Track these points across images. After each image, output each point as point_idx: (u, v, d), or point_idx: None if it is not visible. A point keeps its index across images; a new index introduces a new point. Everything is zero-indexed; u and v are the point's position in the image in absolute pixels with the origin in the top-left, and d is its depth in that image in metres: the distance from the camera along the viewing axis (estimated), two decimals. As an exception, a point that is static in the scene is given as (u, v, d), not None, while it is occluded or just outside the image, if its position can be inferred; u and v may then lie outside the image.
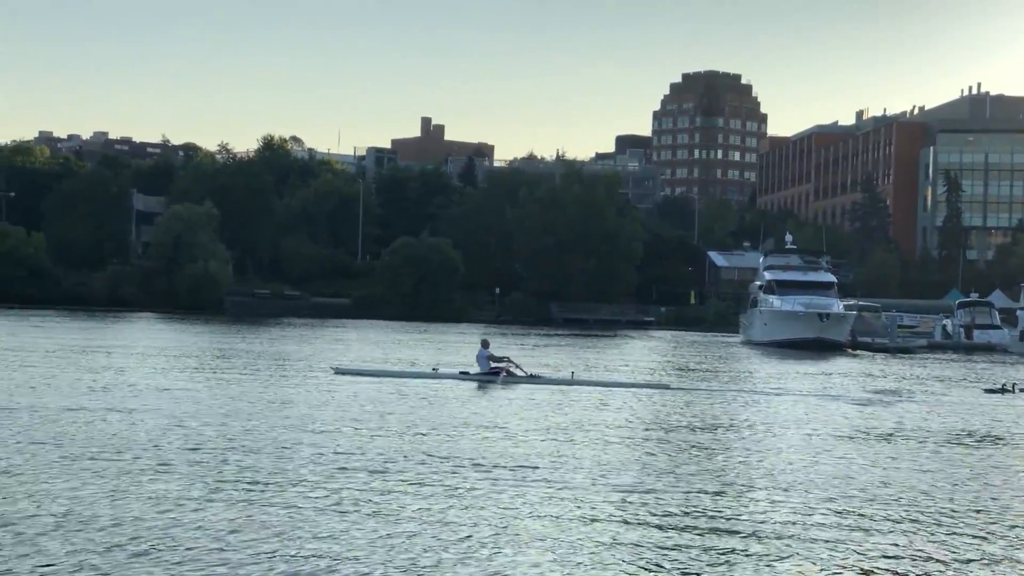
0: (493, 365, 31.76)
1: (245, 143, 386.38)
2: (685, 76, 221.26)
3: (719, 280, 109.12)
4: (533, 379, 31.57)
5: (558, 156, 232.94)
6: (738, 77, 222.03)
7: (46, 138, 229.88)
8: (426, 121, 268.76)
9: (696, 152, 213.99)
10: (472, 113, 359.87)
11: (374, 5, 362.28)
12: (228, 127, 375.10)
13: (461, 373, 32.59)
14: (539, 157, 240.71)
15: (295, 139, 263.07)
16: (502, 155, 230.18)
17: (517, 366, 31.99)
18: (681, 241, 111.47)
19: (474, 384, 30.77)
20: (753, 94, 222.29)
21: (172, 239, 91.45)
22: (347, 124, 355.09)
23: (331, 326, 78.38)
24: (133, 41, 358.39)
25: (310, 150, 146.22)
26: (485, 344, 32.58)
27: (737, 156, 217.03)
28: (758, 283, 68.43)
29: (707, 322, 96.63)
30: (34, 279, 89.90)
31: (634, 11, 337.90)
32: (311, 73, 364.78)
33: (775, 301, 62.33)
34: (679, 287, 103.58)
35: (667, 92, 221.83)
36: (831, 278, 65.21)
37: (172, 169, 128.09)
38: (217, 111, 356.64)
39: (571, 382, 31.40)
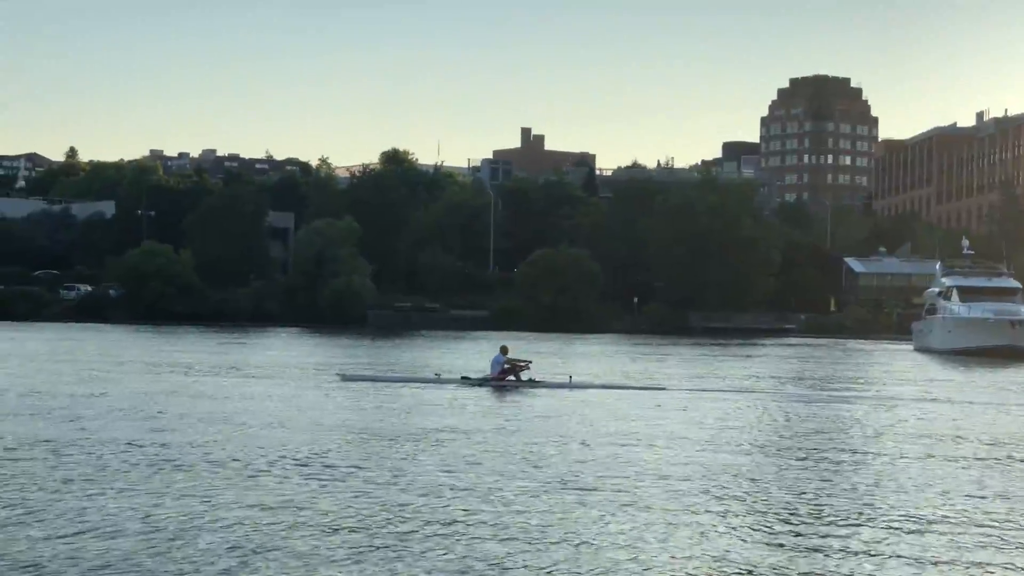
0: (507, 366, 32.69)
1: (347, 157, 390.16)
2: (793, 81, 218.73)
3: (856, 286, 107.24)
4: (533, 383, 32.37)
5: (660, 164, 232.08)
6: (847, 81, 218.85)
7: (157, 156, 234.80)
8: (526, 131, 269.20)
9: (806, 157, 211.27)
10: (572, 122, 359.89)
11: (471, 17, 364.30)
12: (329, 142, 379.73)
13: (463, 378, 33.54)
14: (643, 165, 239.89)
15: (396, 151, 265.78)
16: (604, 164, 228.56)
17: (523, 368, 32.92)
18: (815, 248, 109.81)
19: (487, 390, 31.54)
20: (863, 97, 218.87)
21: (314, 254, 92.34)
22: (447, 136, 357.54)
23: (478, 338, 78.65)
24: (230, 60, 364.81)
25: (438, 163, 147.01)
26: (504, 351, 33.56)
27: (848, 160, 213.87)
28: (936, 289, 66.94)
29: (848, 329, 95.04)
30: (183, 295, 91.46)
31: (739, 17, 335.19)
32: (410, 86, 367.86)
33: (959, 308, 60.87)
34: (816, 294, 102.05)
35: (775, 97, 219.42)
36: (1016, 284, 63.46)
37: (296, 185, 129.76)
38: (317, 126, 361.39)
39: (570, 385, 32.35)
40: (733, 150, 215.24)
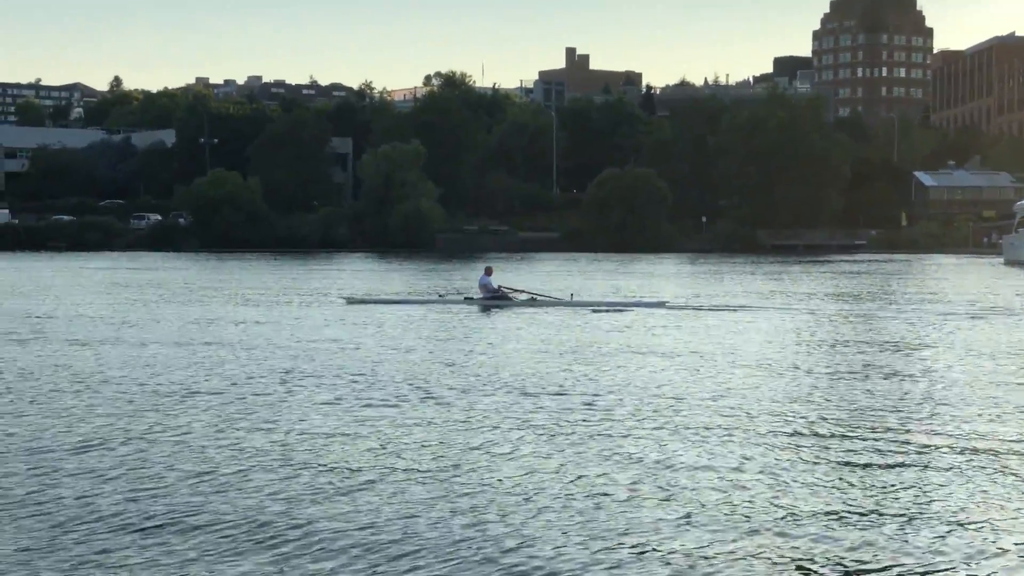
0: (497, 287, 33.59)
1: (391, 81, 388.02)
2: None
3: (927, 201, 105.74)
4: (534, 301, 33.08)
5: (707, 82, 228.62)
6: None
7: (203, 84, 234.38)
8: (571, 51, 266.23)
9: (860, 71, 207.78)
10: (618, 41, 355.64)
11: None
12: (372, 67, 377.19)
13: (466, 299, 34.19)
14: (691, 83, 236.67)
15: (438, 74, 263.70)
16: (651, 82, 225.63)
17: (516, 291, 33.90)
18: (884, 163, 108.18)
19: (498, 308, 32.11)
20: (917, 8, 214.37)
21: (382, 179, 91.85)
22: (491, 58, 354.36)
23: (546, 259, 78.42)
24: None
25: (494, 85, 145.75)
26: (488, 271, 34.32)
27: (903, 73, 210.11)
28: (1028, 202, 65.91)
29: (920, 245, 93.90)
30: (252, 223, 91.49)
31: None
32: (454, 8, 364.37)
33: (1056, 219, 59.92)
34: (886, 210, 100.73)
35: (827, 11, 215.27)
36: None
37: (353, 110, 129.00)
38: (360, 51, 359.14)
39: (571, 303, 32.72)
40: (785, 65, 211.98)
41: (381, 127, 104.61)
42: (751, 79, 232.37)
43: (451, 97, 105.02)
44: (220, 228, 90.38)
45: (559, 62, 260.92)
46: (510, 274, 53.64)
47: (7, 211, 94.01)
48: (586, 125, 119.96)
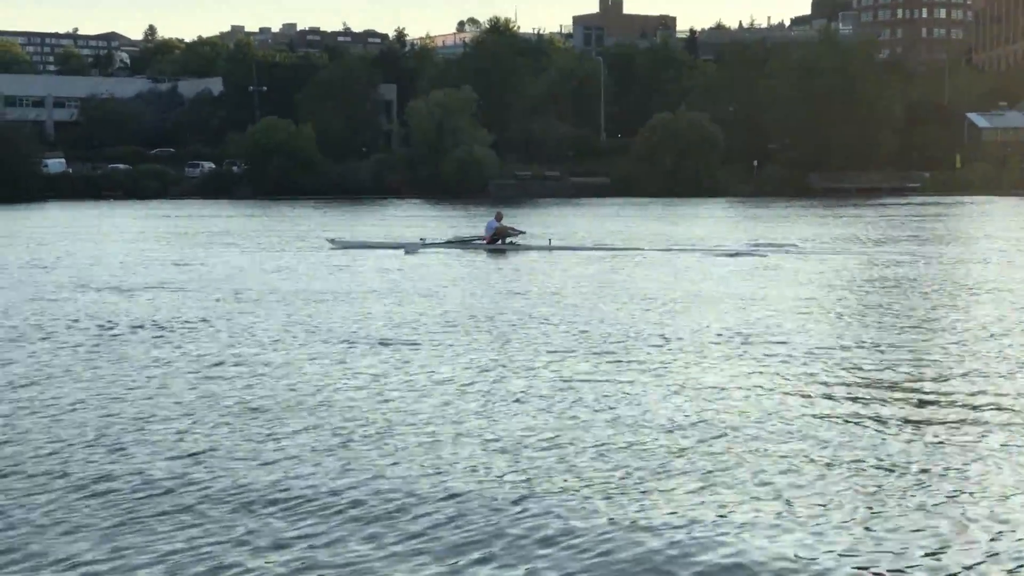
0: (499, 227, 34.70)
1: (424, 27, 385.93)
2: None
3: (980, 142, 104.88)
4: (514, 246, 34.26)
5: (742, 25, 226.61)
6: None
7: (238, 31, 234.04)
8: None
9: (900, 12, 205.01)
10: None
11: None
12: (405, 12, 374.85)
13: (447, 242, 35.70)
14: (727, 26, 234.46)
15: (472, 20, 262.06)
16: (685, 26, 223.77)
17: (517, 233, 35.09)
18: (936, 104, 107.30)
19: (486, 252, 33.39)
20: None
21: (434, 125, 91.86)
22: (524, 3, 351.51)
23: (598, 205, 78.62)
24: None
25: (538, 30, 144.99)
26: (498, 216, 35.72)
27: (943, 14, 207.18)
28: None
29: (974, 186, 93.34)
30: (305, 170, 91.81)
31: None
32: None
33: None
34: (939, 152, 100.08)
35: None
36: None
37: (396, 57, 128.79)
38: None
39: (549, 248, 33.95)
40: (823, 7, 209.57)
41: (429, 73, 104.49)
42: (787, 21, 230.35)
43: (501, 43, 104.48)
44: (273, 176, 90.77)
45: (592, 6, 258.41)
46: (581, 220, 54.05)
47: (62, 160, 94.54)
48: (630, 70, 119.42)
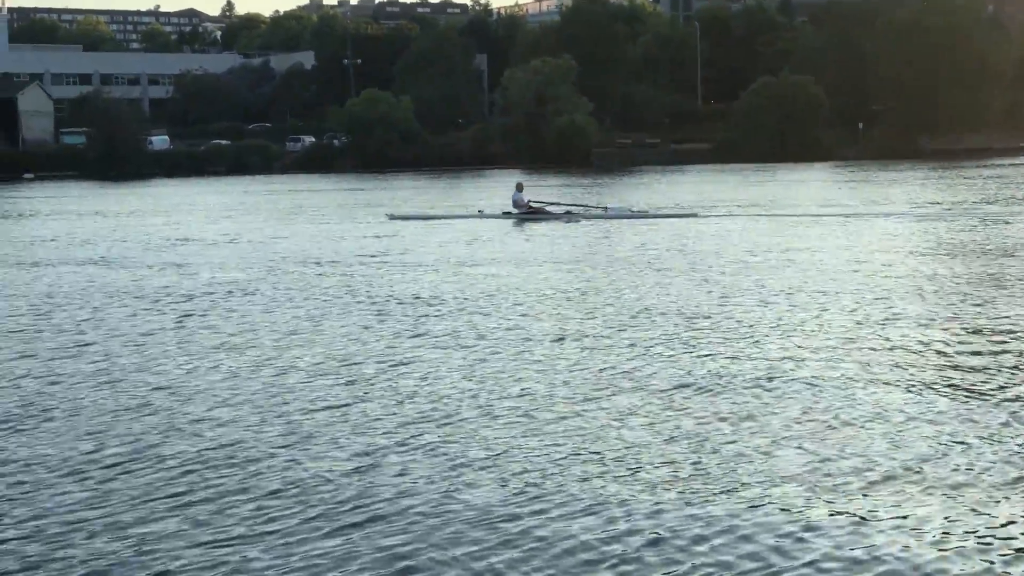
0: (527, 202, 35.24)
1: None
2: None
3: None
4: (569, 215, 34.63)
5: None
6: None
7: (316, 5, 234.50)
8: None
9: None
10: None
11: None
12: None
13: (504, 213, 35.65)
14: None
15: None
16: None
17: (549, 204, 35.72)
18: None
19: (539, 222, 33.44)
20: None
21: (534, 94, 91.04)
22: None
23: (702, 171, 77.52)
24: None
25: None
26: (519, 187, 36.19)
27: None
28: None
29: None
30: (406, 142, 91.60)
31: None
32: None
33: None
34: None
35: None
36: None
37: (485, 27, 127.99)
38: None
39: (605, 216, 34.10)
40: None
41: (522, 42, 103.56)
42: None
43: (598, 9, 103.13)
44: (374, 148, 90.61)
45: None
46: (684, 187, 53.17)
47: (166, 137, 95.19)
48: (725, 34, 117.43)
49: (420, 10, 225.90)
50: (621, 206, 36.49)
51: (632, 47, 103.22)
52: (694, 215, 34.78)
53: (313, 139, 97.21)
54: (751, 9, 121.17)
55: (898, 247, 24.92)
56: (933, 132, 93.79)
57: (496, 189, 54.07)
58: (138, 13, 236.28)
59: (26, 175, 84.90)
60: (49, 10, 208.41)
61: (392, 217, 36.81)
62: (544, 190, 56.91)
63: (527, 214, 34.91)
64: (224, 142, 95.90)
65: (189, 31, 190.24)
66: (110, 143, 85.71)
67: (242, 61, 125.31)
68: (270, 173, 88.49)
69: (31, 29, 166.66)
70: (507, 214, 35.43)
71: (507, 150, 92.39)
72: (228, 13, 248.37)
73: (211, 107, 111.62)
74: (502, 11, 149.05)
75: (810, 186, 54.42)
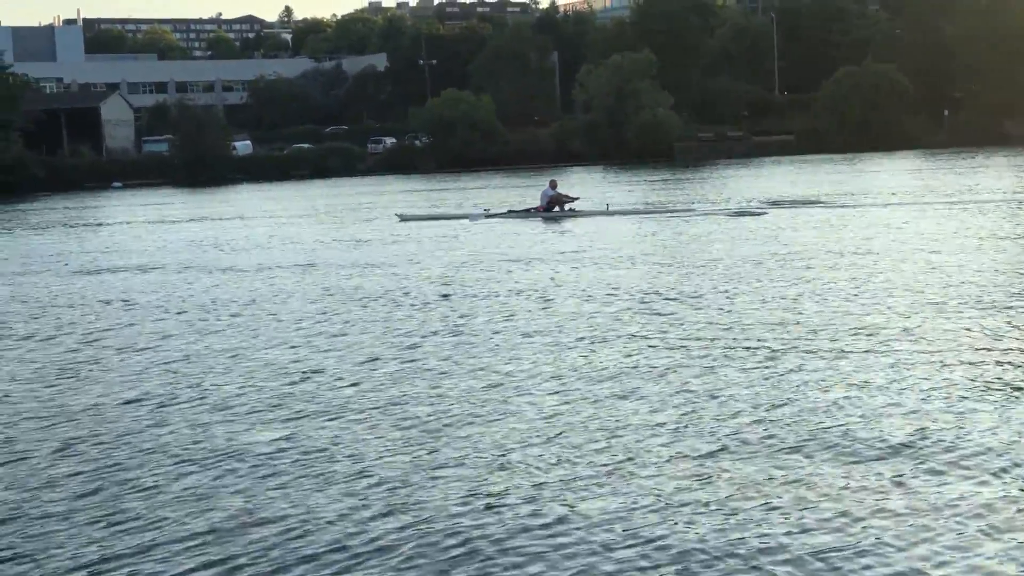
0: (553, 195, 35.18)
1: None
2: None
3: None
4: (572, 212, 34.73)
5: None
6: None
7: (376, 8, 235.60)
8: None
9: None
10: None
11: None
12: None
13: (509, 212, 36.01)
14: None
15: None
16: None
17: (571, 200, 35.38)
18: None
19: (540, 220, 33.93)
20: None
21: (614, 90, 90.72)
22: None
23: (785, 163, 77.02)
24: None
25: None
26: (553, 184, 36.18)
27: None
28: None
29: None
30: (487, 141, 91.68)
31: None
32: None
33: None
34: None
35: None
36: None
37: (554, 24, 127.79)
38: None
39: (607, 213, 34.59)
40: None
41: (595, 38, 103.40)
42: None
43: (673, 3, 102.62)
44: (456, 147, 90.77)
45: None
46: (778, 179, 52.66)
47: (248, 142, 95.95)
48: (797, 24, 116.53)
49: (480, 9, 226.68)
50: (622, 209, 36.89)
51: (709, 40, 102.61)
52: (691, 210, 35.61)
53: (394, 140, 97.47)
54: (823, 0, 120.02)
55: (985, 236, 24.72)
56: (1018, 116, 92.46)
57: (584, 186, 54.03)
58: (200, 21, 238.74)
59: (114, 184, 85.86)
60: (112, 20, 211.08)
61: (403, 218, 37.30)
62: (625, 187, 56.86)
63: (538, 210, 35.41)
64: (306, 145, 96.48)
65: (253, 37, 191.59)
66: (196, 150, 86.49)
67: (314, 65, 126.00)
68: (353, 175, 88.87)
69: (99, 40, 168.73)
70: (512, 212, 36.06)
71: (588, 147, 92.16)
72: (286, 18, 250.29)
73: (285, 111, 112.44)
74: (567, 8, 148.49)
75: (900, 175, 53.87)
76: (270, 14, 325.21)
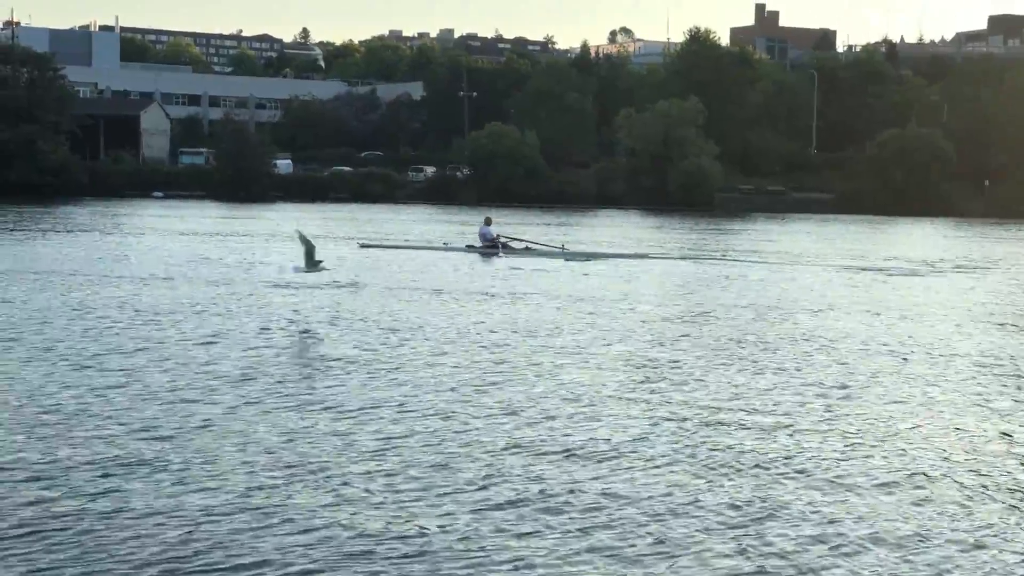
0: (496, 236, 36.65)
1: (571, 37, 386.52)
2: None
3: None
4: (529, 251, 36.27)
5: (900, 39, 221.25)
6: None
7: (396, 36, 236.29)
8: (760, 8, 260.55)
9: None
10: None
11: None
12: (552, 21, 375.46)
13: (468, 247, 37.30)
14: (891, 41, 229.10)
15: (624, 31, 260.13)
16: (846, 42, 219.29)
17: (511, 240, 37.12)
18: None
19: (510, 258, 34.71)
20: None
21: (660, 135, 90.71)
22: (675, 13, 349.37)
23: (823, 221, 77.11)
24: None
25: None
26: (488, 222, 37.80)
27: None
28: None
29: None
30: (530, 177, 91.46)
31: None
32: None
33: None
34: None
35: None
36: None
37: (589, 65, 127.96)
38: (535, 2, 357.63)
39: (564, 254, 35.96)
40: (998, 23, 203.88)
41: (630, 84, 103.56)
42: (948, 36, 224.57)
43: (718, 53, 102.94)
44: (497, 182, 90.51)
45: (747, 18, 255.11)
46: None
47: (289, 161, 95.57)
48: (834, 83, 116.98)
49: (501, 45, 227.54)
50: (578, 251, 38.05)
51: (752, 92, 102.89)
52: (645, 256, 37.58)
53: (435, 170, 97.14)
54: (860, 60, 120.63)
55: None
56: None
57: (626, 228, 53.67)
58: (221, 36, 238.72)
59: (155, 193, 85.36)
60: (133, 30, 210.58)
61: (363, 246, 38.38)
62: (664, 233, 56.75)
63: (489, 248, 36.38)
64: (347, 168, 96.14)
65: (275, 56, 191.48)
66: (238, 165, 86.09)
67: (347, 89, 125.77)
68: (393, 202, 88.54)
69: (124, 48, 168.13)
70: (470, 247, 37.09)
71: (629, 190, 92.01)
72: (303, 39, 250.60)
73: (318, 133, 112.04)
74: (596, 51, 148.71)
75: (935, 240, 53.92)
76: (286, 34, 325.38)
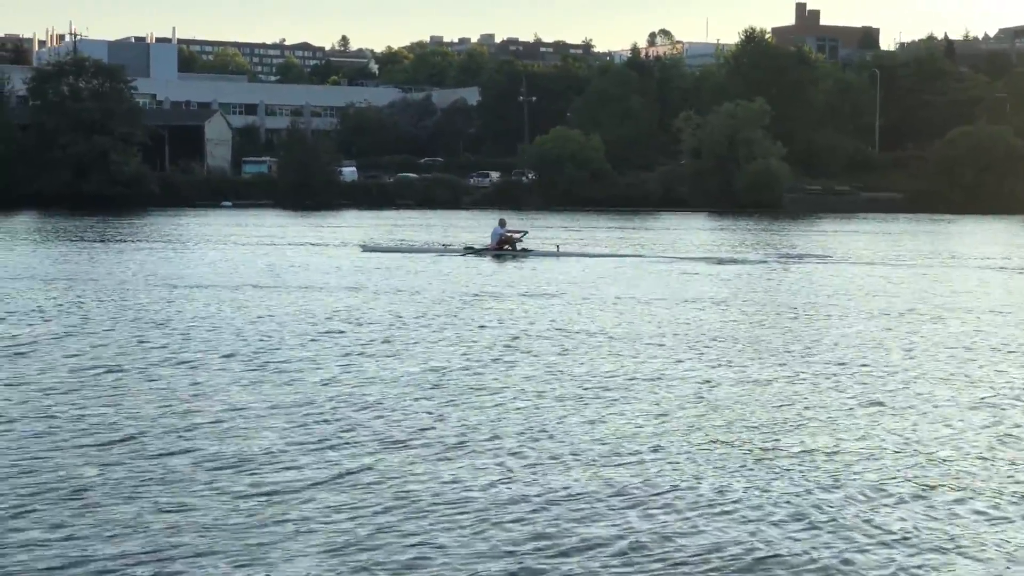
0: (505, 235, 36.72)
1: (610, 41, 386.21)
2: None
3: None
4: (525, 252, 36.44)
5: (945, 37, 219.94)
6: None
7: (437, 41, 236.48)
8: (800, 7, 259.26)
9: None
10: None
11: None
12: (593, 24, 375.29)
13: (466, 249, 37.39)
14: (935, 37, 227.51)
15: (664, 32, 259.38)
16: (889, 40, 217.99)
17: (519, 239, 37.02)
18: None
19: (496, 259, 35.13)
20: None
21: (726, 137, 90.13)
22: (713, 14, 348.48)
23: (892, 220, 76.31)
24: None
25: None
26: (502, 223, 37.94)
27: None
28: None
29: None
30: (595, 181, 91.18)
31: None
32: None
33: None
34: None
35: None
36: None
37: (643, 68, 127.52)
38: (577, 5, 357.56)
39: (557, 255, 36.62)
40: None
41: (706, 86, 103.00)
42: (992, 32, 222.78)
43: (781, 53, 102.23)
44: (563, 186, 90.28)
45: (787, 17, 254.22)
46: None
47: (354, 168, 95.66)
48: (894, 82, 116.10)
49: (543, 49, 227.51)
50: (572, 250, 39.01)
51: (815, 93, 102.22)
52: (640, 256, 37.99)
53: (499, 175, 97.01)
54: (921, 58, 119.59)
55: None
56: None
57: (698, 232, 53.07)
58: (264, 46, 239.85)
59: (224, 203, 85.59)
60: (186, 41, 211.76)
61: (365, 248, 38.79)
62: (734, 235, 56.22)
63: (493, 248, 36.60)
64: (412, 175, 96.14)
65: (322, 63, 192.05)
66: (304, 173, 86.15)
67: (401, 95, 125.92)
68: (459, 208, 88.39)
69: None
70: (468, 249, 37.31)
71: (695, 193, 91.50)
72: (342, 47, 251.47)
73: (375, 139, 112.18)
74: (645, 53, 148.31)
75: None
76: (325, 41, 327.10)
